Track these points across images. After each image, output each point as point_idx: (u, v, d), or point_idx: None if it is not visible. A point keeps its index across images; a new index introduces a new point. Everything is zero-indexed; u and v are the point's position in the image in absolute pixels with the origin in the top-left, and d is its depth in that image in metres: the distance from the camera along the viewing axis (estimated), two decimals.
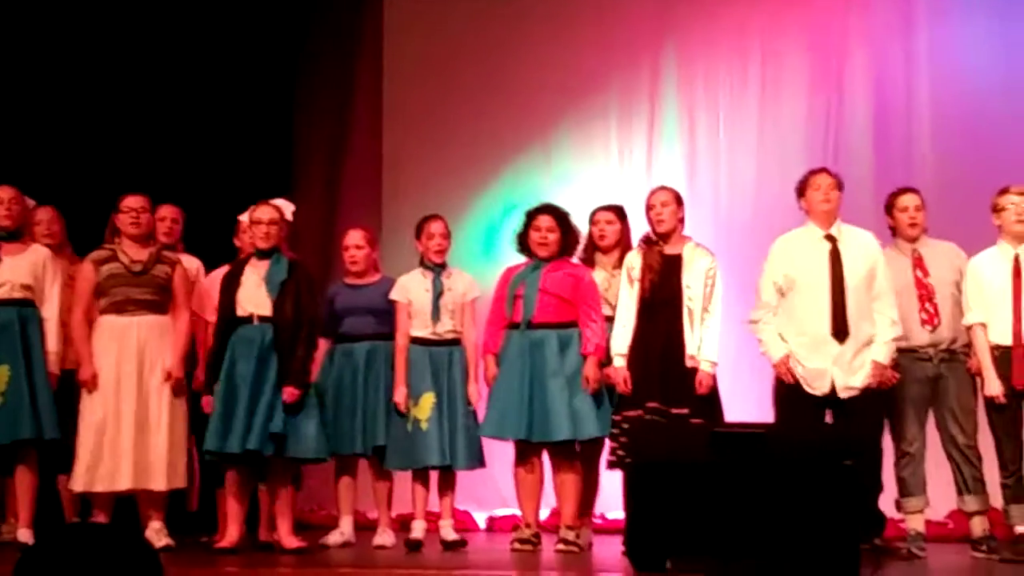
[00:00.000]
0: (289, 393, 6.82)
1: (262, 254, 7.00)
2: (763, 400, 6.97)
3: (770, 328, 6.78)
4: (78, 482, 6.81)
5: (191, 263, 7.52)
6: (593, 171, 9.32)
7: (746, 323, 6.91)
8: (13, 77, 8.51)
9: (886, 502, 6.92)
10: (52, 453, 7.10)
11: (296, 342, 6.89)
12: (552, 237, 7.19)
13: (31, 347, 6.96)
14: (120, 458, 6.76)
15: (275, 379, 6.82)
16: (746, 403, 7.29)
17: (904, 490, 6.93)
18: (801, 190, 6.90)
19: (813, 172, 6.96)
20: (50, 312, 7.05)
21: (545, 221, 7.22)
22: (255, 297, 6.92)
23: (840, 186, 6.88)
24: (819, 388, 6.65)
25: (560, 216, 7.24)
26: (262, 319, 6.89)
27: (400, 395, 7.20)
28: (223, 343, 6.89)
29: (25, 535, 6.90)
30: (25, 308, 7.01)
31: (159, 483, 6.82)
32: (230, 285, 6.96)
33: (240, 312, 6.92)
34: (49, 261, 7.13)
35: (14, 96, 8.48)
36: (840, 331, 6.67)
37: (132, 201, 7.04)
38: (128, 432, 6.78)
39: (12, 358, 6.90)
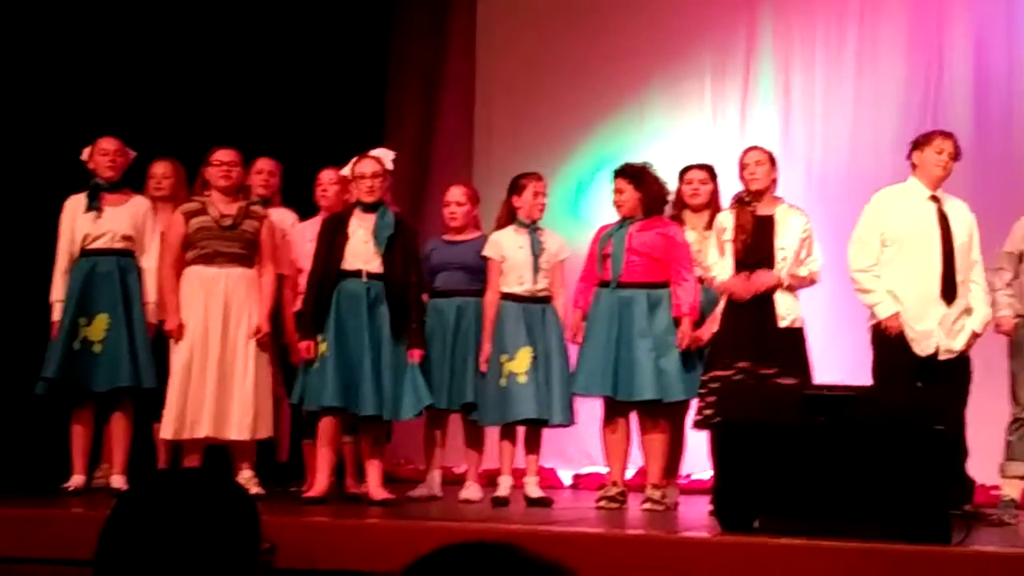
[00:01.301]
0: (416, 355, 6.86)
1: (367, 207, 6.98)
2: (855, 362, 6.90)
3: (881, 282, 6.69)
4: (167, 430, 6.88)
5: (286, 216, 7.55)
6: (686, 129, 9.23)
7: (850, 273, 6.81)
8: (116, 30, 8.60)
9: (988, 468, 6.85)
10: (148, 401, 7.21)
11: (409, 301, 6.90)
12: (622, 197, 7.15)
13: (130, 297, 7.07)
14: (202, 406, 6.83)
15: (391, 338, 6.82)
16: (839, 365, 7.22)
17: (1009, 454, 6.84)
18: (919, 144, 6.81)
19: (942, 134, 6.86)
20: (149, 263, 7.14)
21: (615, 183, 7.19)
22: (363, 252, 6.89)
23: (958, 157, 6.78)
24: (924, 350, 6.60)
25: (630, 175, 7.17)
26: (371, 275, 6.89)
27: (485, 353, 7.21)
28: (326, 295, 6.85)
29: (119, 481, 7.03)
30: (125, 258, 7.11)
31: (241, 433, 6.87)
32: (335, 237, 6.91)
33: (346, 266, 6.89)
34: (150, 212, 7.22)
35: (116, 49, 8.57)
36: (948, 292, 6.62)
37: (223, 154, 7.07)
38: (211, 381, 6.84)
39: (111, 307, 7.01)
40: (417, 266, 7.07)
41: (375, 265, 6.88)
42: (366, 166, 6.99)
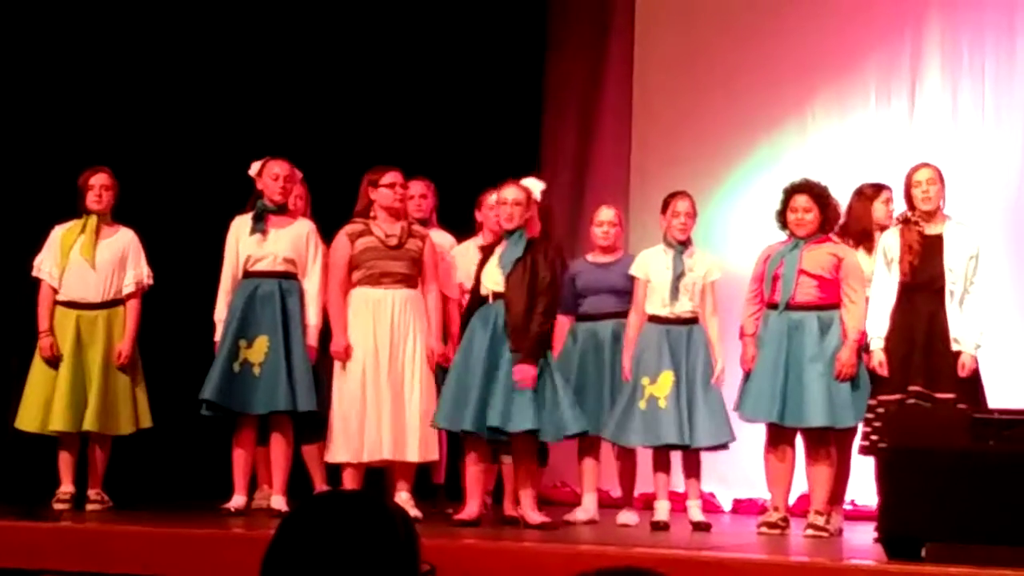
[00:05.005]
0: (521, 371, 6.75)
1: (507, 234, 6.97)
2: None
3: None
4: (339, 453, 6.92)
5: (444, 239, 7.55)
6: (850, 148, 9.02)
7: None
8: (281, 52, 8.78)
9: None
10: (302, 424, 7.25)
11: (529, 319, 6.82)
12: (809, 217, 6.99)
13: (290, 319, 7.12)
14: (381, 428, 6.85)
15: (509, 359, 6.78)
16: (1015, 388, 7.02)
17: None
18: None
19: None
20: (311, 285, 7.20)
21: (801, 200, 7.01)
22: (493, 275, 6.91)
23: None
24: None
25: (817, 194, 7.02)
26: (495, 296, 6.89)
27: (626, 372, 7.13)
28: (466, 320, 6.93)
29: (279, 502, 7.08)
30: (286, 280, 7.18)
31: (413, 454, 6.90)
32: (480, 263, 6.97)
33: (482, 291, 6.93)
34: (312, 235, 7.28)
35: (279, 71, 8.76)
36: None
37: (394, 176, 7.10)
38: (386, 403, 6.87)
39: (271, 329, 7.08)
40: (550, 283, 6.89)
41: (500, 287, 6.87)
42: (507, 193, 6.97)
